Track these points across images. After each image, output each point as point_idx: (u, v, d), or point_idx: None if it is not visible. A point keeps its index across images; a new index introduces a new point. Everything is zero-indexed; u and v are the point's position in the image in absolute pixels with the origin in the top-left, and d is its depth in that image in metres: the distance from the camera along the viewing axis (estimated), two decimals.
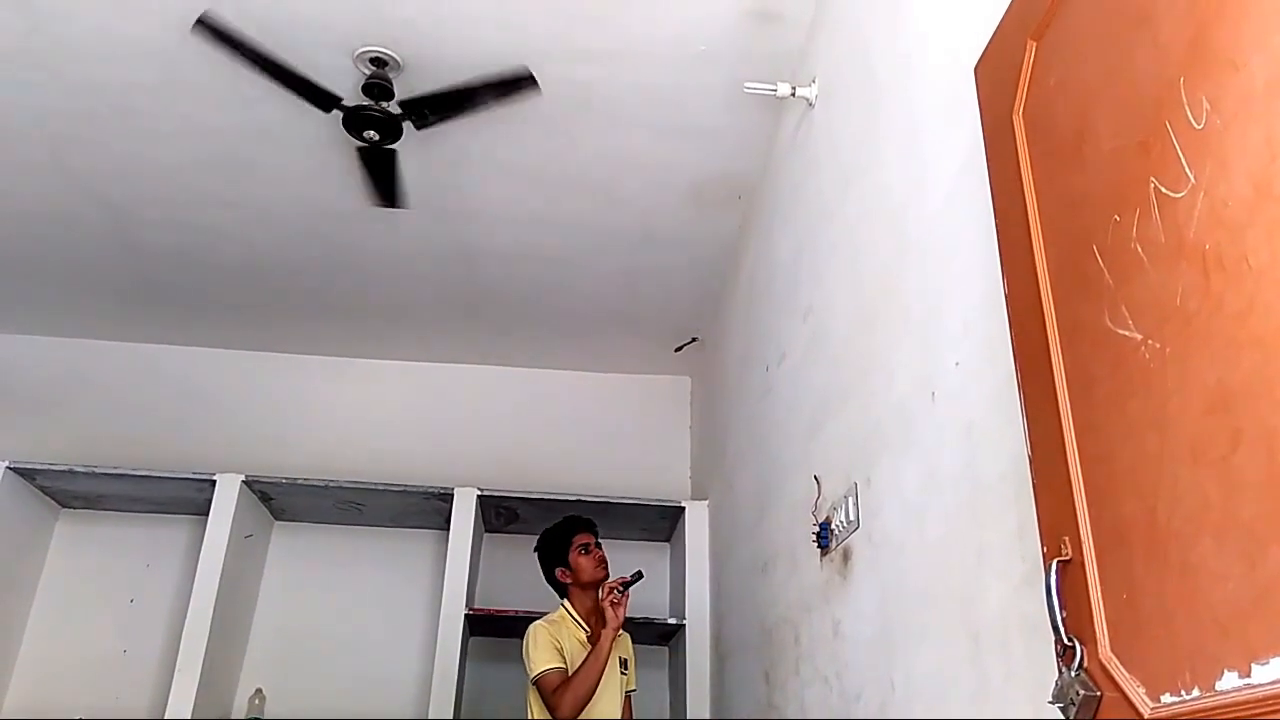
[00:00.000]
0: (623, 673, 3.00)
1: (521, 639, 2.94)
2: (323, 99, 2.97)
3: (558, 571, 3.07)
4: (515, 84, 2.92)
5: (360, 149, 3.14)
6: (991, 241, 1.35)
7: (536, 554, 3.14)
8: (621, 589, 2.95)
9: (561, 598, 3.09)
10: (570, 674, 2.81)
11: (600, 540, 3.13)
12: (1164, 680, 0.90)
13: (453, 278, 4.25)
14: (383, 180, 3.30)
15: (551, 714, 2.78)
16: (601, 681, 2.82)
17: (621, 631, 3.01)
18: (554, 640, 2.88)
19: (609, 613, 2.88)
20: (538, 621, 2.97)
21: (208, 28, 2.75)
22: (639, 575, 3.03)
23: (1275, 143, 0.79)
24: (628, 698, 3.04)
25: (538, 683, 2.82)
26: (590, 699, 2.78)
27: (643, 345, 4.78)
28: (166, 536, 4.38)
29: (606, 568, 3.06)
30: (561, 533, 3.10)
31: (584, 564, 3.03)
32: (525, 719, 2.92)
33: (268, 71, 2.86)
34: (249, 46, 2.79)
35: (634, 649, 3.17)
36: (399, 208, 3.50)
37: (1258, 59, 0.82)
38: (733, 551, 3.65)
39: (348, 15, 2.80)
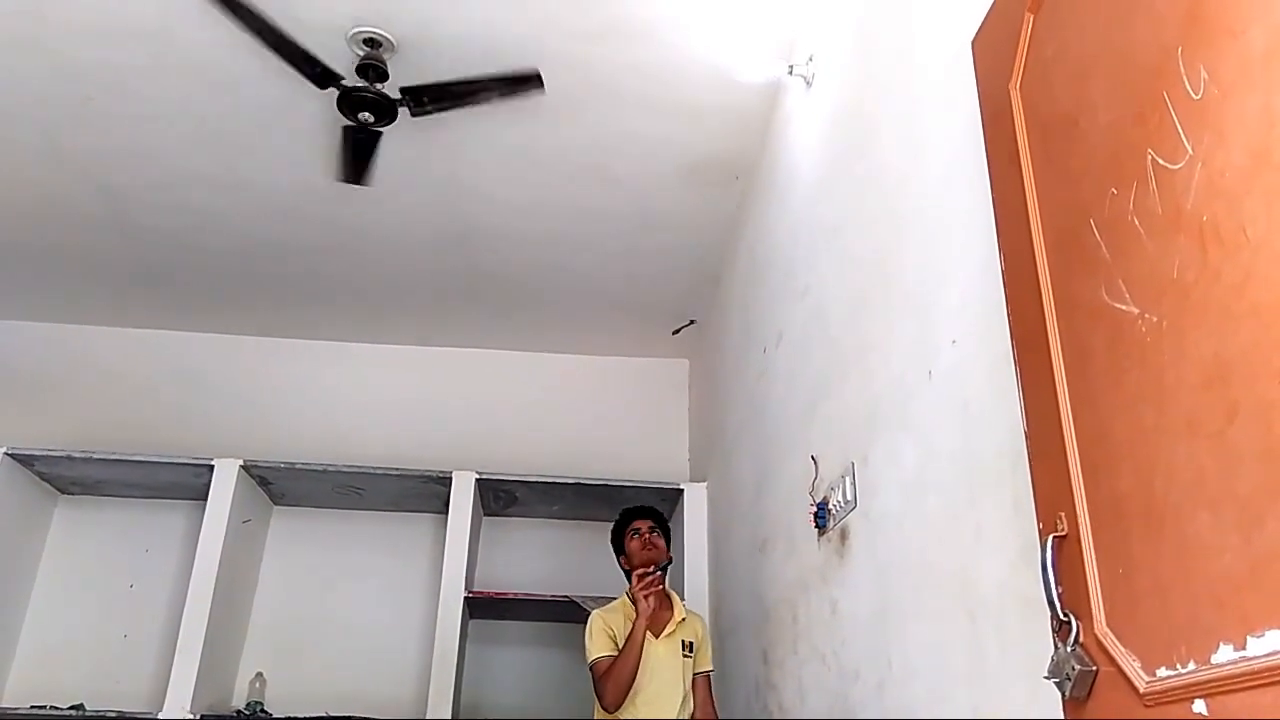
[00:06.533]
0: (687, 655, 2.99)
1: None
2: (322, 75, 2.92)
3: (620, 559, 3.15)
4: (522, 81, 2.88)
5: (346, 127, 3.10)
6: (989, 217, 1.34)
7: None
8: (650, 577, 2.94)
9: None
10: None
11: (657, 525, 3.15)
12: (1159, 654, 0.90)
13: (450, 261, 4.23)
14: (359, 159, 3.26)
15: (599, 700, 2.85)
16: (659, 665, 2.86)
17: (691, 613, 3.08)
18: (607, 627, 2.93)
19: (640, 602, 2.90)
20: (596, 609, 3.03)
21: None
22: (670, 561, 3.08)
23: (1273, 111, 0.79)
24: (705, 678, 3.04)
25: (591, 669, 2.89)
26: (631, 684, 2.80)
27: (640, 328, 4.77)
28: (165, 521, 4.38)
29: (655, 551, 3.07)
30: (621, 523, 3.18)
31: (633, 547, 3.09)
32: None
33: (270, 43, 2.81)
34: (255, 15, 2.74)
35: (703, 630, 3.15)
36: (362, 185, 3.43)
37: (1256, 26, 0.81)
38: (731, 532, 3.66)
39: None
